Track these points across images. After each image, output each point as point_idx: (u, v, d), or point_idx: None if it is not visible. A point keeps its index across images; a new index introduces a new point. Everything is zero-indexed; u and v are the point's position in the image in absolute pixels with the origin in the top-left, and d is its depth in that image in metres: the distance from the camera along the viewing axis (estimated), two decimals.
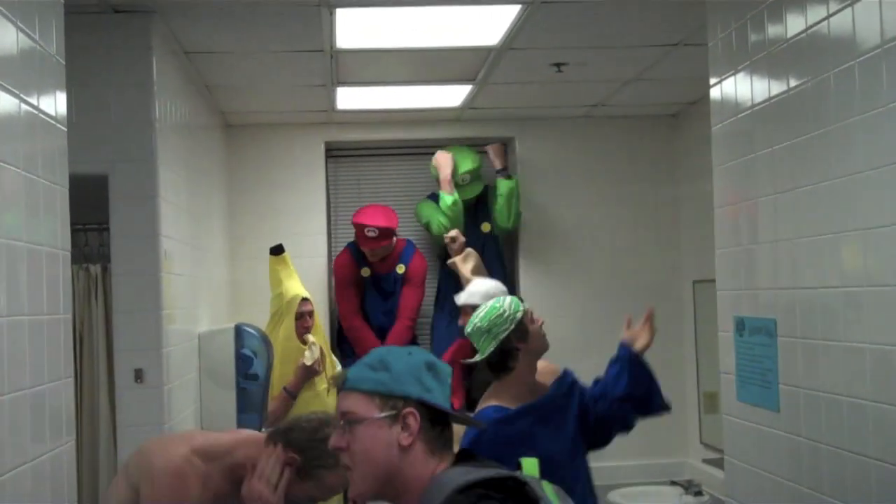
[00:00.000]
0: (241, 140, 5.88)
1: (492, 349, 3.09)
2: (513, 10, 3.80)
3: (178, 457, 2.54)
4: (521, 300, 3.21)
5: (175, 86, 4.06)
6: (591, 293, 5.96)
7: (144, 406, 3.59)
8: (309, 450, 2.52)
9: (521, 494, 1.77)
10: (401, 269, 5.78)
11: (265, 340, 4.61)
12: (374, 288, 5.81)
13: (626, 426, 3.22)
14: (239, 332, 4.48)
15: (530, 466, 1.93)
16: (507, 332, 3.08)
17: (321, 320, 5.39)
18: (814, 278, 2.67)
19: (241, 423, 4.28)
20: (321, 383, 5.01)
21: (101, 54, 3.60)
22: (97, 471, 3.88)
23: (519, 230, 6.02)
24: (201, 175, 4.75)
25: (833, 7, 2.51)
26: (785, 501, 2.86)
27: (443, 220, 5.74)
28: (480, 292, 4.62)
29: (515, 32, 4.07)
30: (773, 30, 2.86)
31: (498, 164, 5.87)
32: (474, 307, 3.39)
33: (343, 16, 3.82)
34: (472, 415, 3.12)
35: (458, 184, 5.81)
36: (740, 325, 3.14)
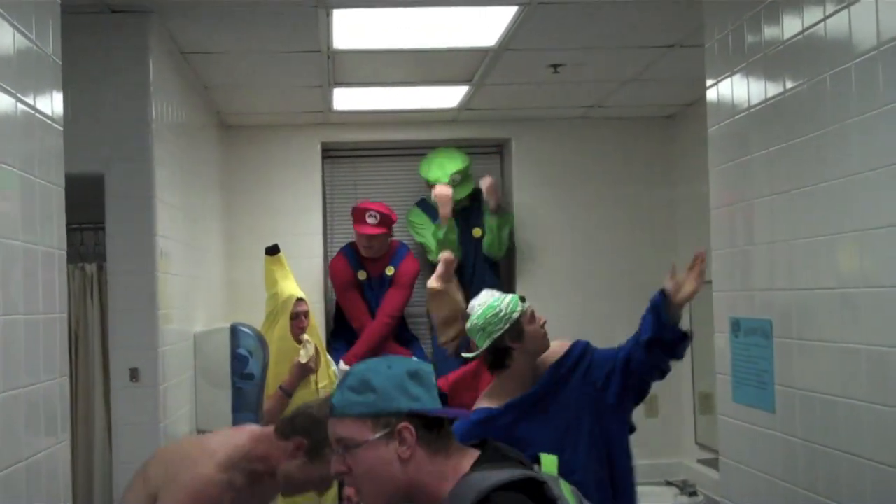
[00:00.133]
0: (238, 140, 5.88)
1: (485, 347, 3.12)
2: (509, 12, 3.80)
3: (204, 477, 2.56)
4: (523, 299, 3.20)
5: (172, 86, 4.06)
6: (586, 294, 5.96)
7: (140, 405, 3.59)
8: (315, 431, 2.60)
9: (540, 494, 1.78)
10: (390, 270, 5.77)
11: (261, 340, 4.61)
12: (370, 291, 5.80)
13: (663, 371, 3.16)
14: (234, 331, 4.48)
15: (549, 464, 1.93)
16: (501, 332, 3.10)
17: (316, 320, 5.39)
18: (810, 280, 2.68)
19: (236, 423, 4.28)
20: (317, 381, 5.01)
21: (97, 54, 3.59)
22: (92, 470, 3.88)
23: (514, 230, 6.03)
24: (197, 175, 4.75)
25: (830, 9, 2.52)
26: (780, 502, 2.86)
27: (434, 248, 5.75)
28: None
29: (512, 33, 4.07)
30: (769, 31, 2.86)
31: (492, 204, 5.81)
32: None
33: (340, 16, 3.82)
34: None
35: (449, 185, 5.80)
36: (736, 326, 3.14)
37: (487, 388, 3.26)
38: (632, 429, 3.26)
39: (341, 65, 4.59)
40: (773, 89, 2.85)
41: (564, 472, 2.99)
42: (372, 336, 5.56)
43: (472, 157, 6.01)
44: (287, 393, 4.89)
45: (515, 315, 3.11)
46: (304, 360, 4.88)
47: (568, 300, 5.89)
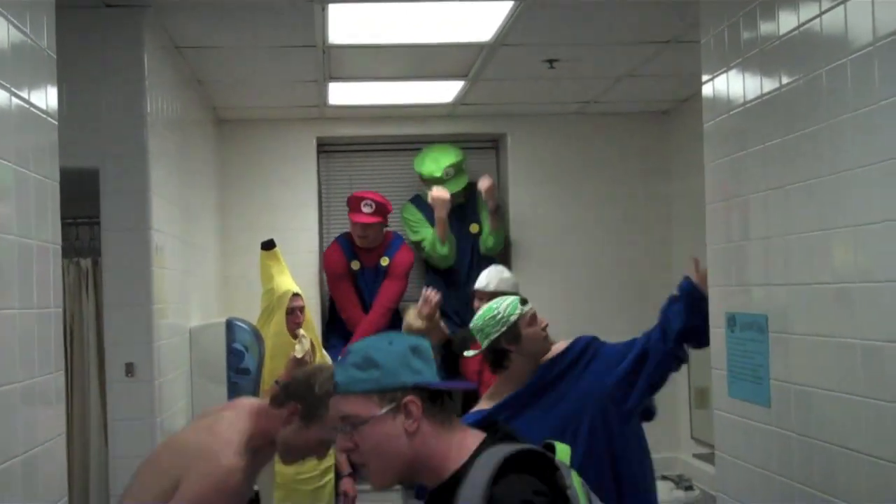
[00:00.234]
0: (233, 135, 5.88)
1: (484, 347, 3.18)
2: (505, 6, 3.80)
3: (227, 468, 2.56)
4: (525, 301, 3.23)
5: (167, 80, 4.05)
6: (582, 289, 5.97)
7: (135, 400, 3.59)
8: (307, 395, 2.68)
9: (550, 476, 1.82)
10: (385, 261, 5.78)
11: (256, 335, 4.61)
12: (363, 281, 5.81)
13: (681, 361, 3.25)
14: (230, 326, 4.48)
15: (562, 452, 1.94)
16: (497, 334, 3.15)
17: (312, 315, 5.39)
18: (805, 275, 2.68)
19: None
20: None
21: (92, 48, 3.59)
22: (88, 464, 3.88)
23: (510, 227, 6.03)
24: (193, 170, 4.74)
25: (825, 5, 2.52)
26: (775, 496, 2.87)
27: (432, 254, 5.77)
28: (489, 276, 4.74)
29: (508, 28, 4.07)
30: (765, 27, 2.86)
31: (490, 205, 5.82)
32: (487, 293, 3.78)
33: (335, 11, 3.82)
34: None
35: (442, 178, 5.80)
36: (731, 321, 3.14)
37: (488, 391, 3.29)
38: (650, 414, 3.29)
39: (337, 59, 4.58)
40: (769, 85, 2.85)
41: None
42: (369, 328, 5.56)
43: (468, 152, 6.02)
44: None
45: (512, 318, 3.15)
46: (299, 355, 4.88)
47: (563, 295, 5.90)
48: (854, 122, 2.40)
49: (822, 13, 2.54)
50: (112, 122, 3.59)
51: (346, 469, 5.01)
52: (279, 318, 4.94)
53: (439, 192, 5.71)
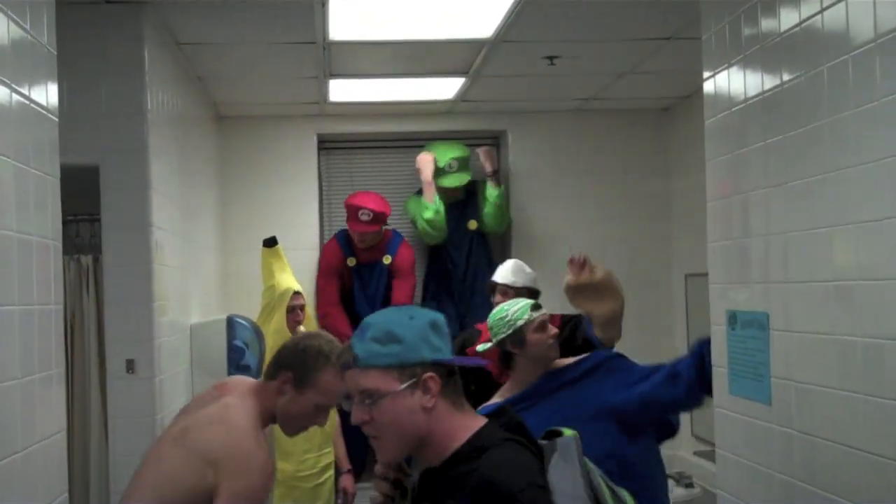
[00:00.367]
0: (234, 131, 5.87)
1: (492, 345, 3.24)
2: (506, 3, 3.79)
3: (262, 459, 2.56)
4: (539, 307, 3.26)
5: (167, 77, 4.05)
6: None
7: (136, 397, 3.59)
8: (297, 360, 2.68)
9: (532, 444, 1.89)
10: (387, 259, 5.78)
11: (257, 332, 4.61)
12: (359, 278, 5.81)
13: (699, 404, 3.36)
14: (231, 323, 4.48)
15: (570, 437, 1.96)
16: (503, 336, 3.19)
17: (312, 313, 5.38)
18: (806, 272, 2.67)
19: None
20: None
21: (92, 45, 3.58)
22: (88, 461, 3.88)
23: (510, 223, 6.02)
24: (193, 166, 4.74)
25: (827, 1, 2.51)
26: (776, 494, 2.87)
27: (425, 227, 5.74)
28: (507, 269, 4.53)
29: (509, 25, 4.06)
30: (766, 23, 2.85)
31: (488, 168, 5.83)
32: (507, 286, 3.96)
33: (336, 7, 3.82)
34: None
35: (445, 171, 5.81)
36: (732, 318, 3.14)
37: (499, 391, 3.32)
38: (672, 430, 3.33)
39: (337, 56, 4.58)
40: (770, 81, 2.85)
41: None
42: None
43: (469, 149, 6.00)
44: None
45: (519, 323, 3.18)
46: None
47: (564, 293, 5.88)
48: (855, 118, 2.40)
49: (823, 9, 2.53)
50: (112, 119, 3.59)
51: (346, 466, 5.01)
52: (280, 315, 4.94)
53: (424, 155, 5.76)
